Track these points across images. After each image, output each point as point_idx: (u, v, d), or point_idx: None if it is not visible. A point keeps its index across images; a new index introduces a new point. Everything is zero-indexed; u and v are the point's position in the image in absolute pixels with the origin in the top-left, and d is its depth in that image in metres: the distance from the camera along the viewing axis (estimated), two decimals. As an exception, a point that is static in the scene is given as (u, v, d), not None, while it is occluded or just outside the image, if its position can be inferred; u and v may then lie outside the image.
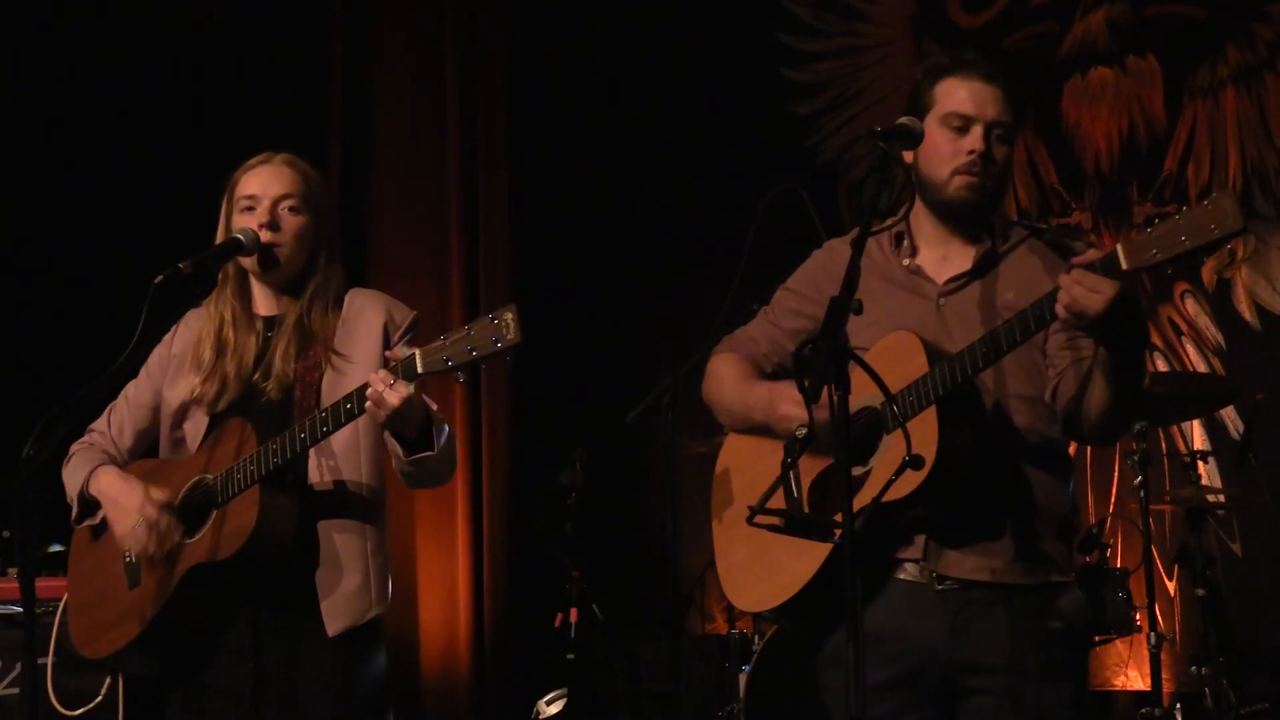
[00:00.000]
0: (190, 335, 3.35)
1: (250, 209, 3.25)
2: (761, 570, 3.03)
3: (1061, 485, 2.96)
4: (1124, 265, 2.56)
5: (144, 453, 3.41)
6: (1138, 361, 2.79)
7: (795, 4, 7.36)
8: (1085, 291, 2.59)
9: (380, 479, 3.25)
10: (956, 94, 2.96)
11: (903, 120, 2.90)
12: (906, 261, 3.04)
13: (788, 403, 2.98)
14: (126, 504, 3.20)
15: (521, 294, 7.05)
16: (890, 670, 2.87)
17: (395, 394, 2.95)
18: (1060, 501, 2.95)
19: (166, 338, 3.38)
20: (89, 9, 6.65)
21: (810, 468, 2.93)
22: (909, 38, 7.14)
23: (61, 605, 3.96)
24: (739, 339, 3.25)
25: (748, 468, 3.13)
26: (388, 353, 3.06)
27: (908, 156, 3.00)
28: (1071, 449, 3.06)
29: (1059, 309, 2.65)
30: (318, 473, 3.19)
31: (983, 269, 2.99)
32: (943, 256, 3.03)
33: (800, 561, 2.91)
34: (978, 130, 2.94)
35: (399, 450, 3.10)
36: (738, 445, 3.20)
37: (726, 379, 3.21)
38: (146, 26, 6.74)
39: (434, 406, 3.14)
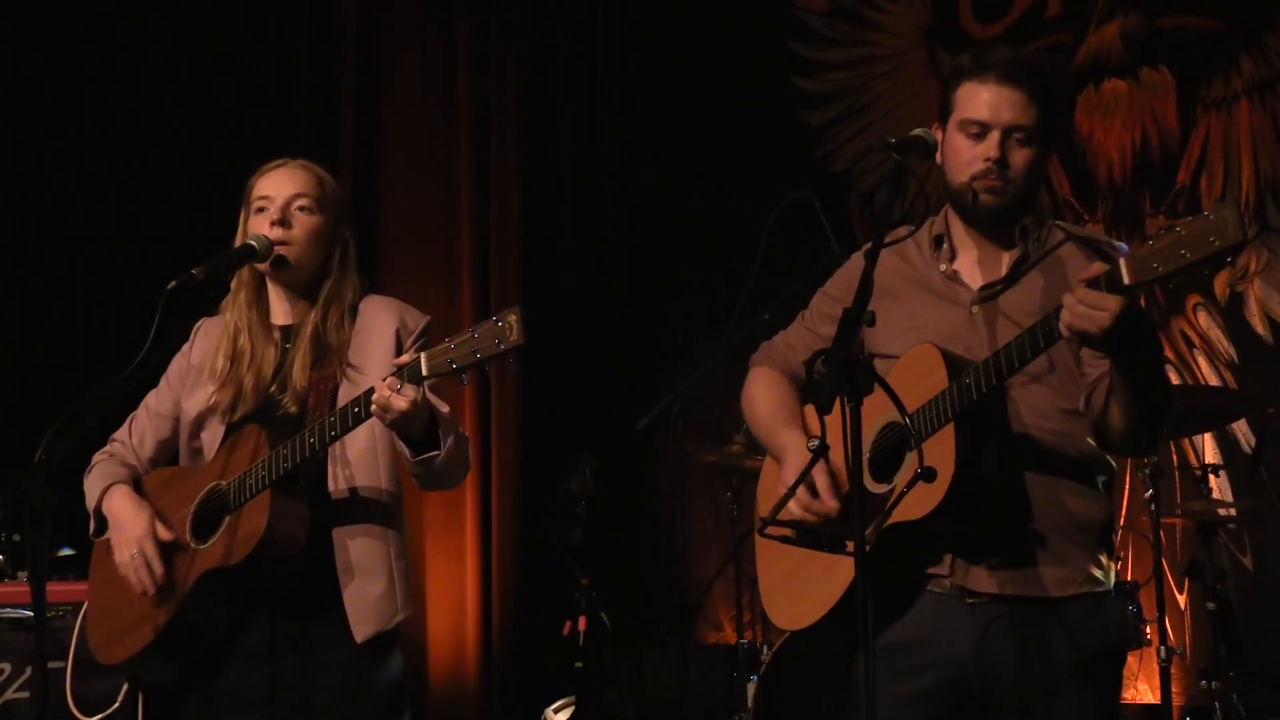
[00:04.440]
0: (209, 345, 3.37)
1: (263, 209, 3.28)
2: (796, 589, 3.01)
3: (1099, 493, 2.91)
4: (1126, 280, 2.50)
5: (165, 461, 3.42)
6: (1153, 376, 2.73)
7: (808, 13, 7.37)
8: (1088, 310, 2.54)
9: (398, 484, 3.26)
10: (975, 99, 2.90)
11: (916, 131, 2.88)
12: (944, 266, 2.99)
13: (789, 467, 2.94)
14: (129, 533, 3.23)
15: (532, 300, 7.06)
16: (919, 681, 2.85)
17: (402, 398, 2.97)
18: (1098, 509, 2.90)
19: (185, 347, 3.41)
20: (103, 19, 6.67)
21: (843, 483, 2.91)
22: (922, 47, 7.14)
23: (82, 612, 3.97)
24: (776, 347, 3.21)
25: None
26: (395, 361, 3.07)
27: (938, 158, 2.96)
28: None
29: (1062, 328, 2.60)
30: (335, 481, 3.20)
31: (1016, 275, 2.94)
32: (978, 260, 2.98)
33: (830, 580, 2.88)
34: (994, 136, 2.87)
35: (406, 451, 3.12)
36: (775, 462, 3.17)
37: (759, 406, 3.16)
38: (159, 37, 6.76)
39: (445, 409, 3.15)
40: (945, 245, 3.01)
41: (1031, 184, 2.93)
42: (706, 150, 7.41)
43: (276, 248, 3.25)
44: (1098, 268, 2.57)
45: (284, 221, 3.26)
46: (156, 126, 6.66)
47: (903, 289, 3.01)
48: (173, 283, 3.09)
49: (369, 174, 7.37)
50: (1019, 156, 2.89)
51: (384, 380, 2.98)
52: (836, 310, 3.03)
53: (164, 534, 3.21)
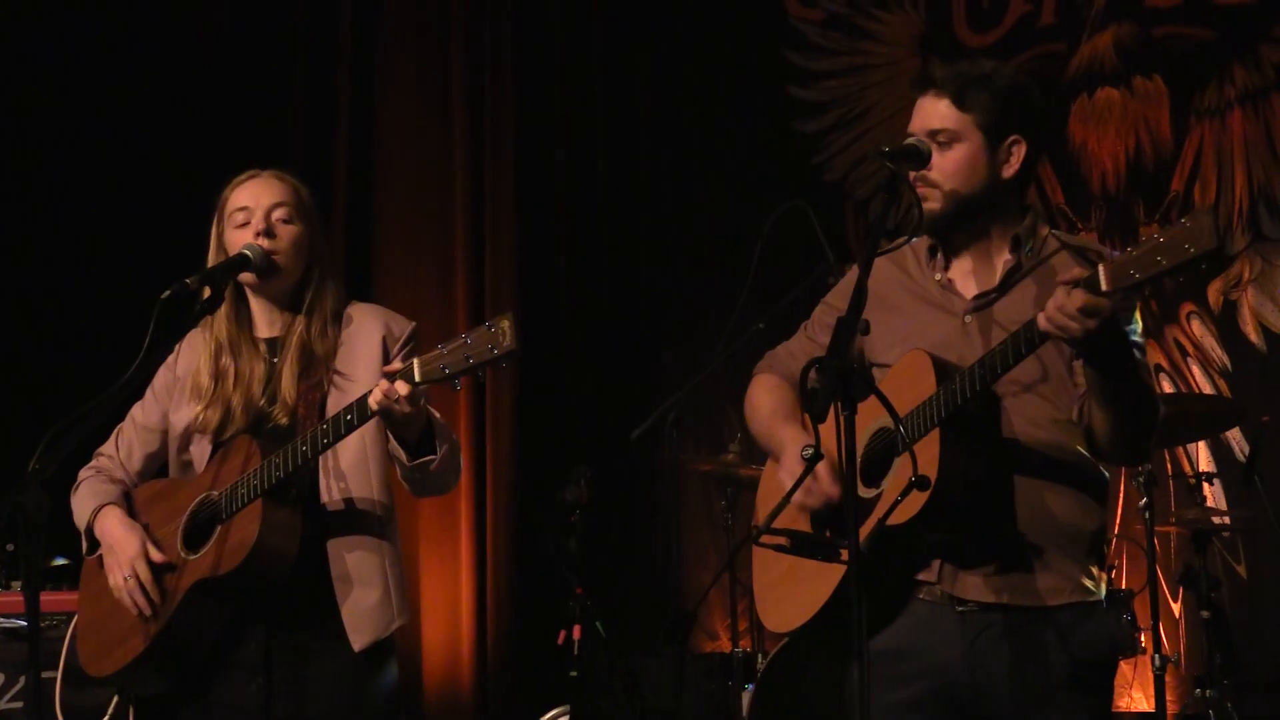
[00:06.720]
0: (192, 357, 3.36)
1: (245, 223, 3.27)
2: (787, 591, 3.03)
3: (1090, 503, 2.91)
4: (1104, 287, 2.54)
5: (154, 474, 3.41)
6: (1126, 377, 2.74)
7: (803, 22, 7.38)
8: (1064, 315, 2.59)
9: (390, 494, 3.27)
10: (915, 113, 2.95)
11: (910, 140, 2.90)
12: (939, 275, 3.01)
13: (791, 457, 2.96)
14: (122, 555, 3.22)
15: (527, 308, 7.06)
16: (909, 690, 2.86)
17: (404, 399, 2.97)
18: (1089, 519, 2.91)
19: (170, 360, 3.39)
20: (98, 21, 6.67)
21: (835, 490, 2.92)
22: (916, 56, 7.15)
23: (72, 625, 3.97)
24: (779, 356, 3.24)
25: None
26: (385, 368, 3.07)
27: None
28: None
29: (1041, 321, 2.62)
30: (328, 492, 3.20)
31: (1008, 285, 2.95)
32: (972, 270, 2.99)
33: (819, 582, 2.90)
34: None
35: (403, 456, 3.12)
36: (775, 467, 3.18)
37: (760, 408, 3.19)
38: (154, 40, 6.76)
39: (436, 415, 3.15)
40: (939, 255, 3.02)
41: (966, 185, 2.91)
42: (701, 159, 7.41)
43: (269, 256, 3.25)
44: (1076, 274, 2.60)
45: (269, 232, 3.26)
46: (151, 132, 6.65)
47: (900, 300, 3.02)
48: (166, 292, 3.09)
49: (364, 177, 7.37)
50: (942, 160, 2.89)
51: (385, 385, 2.98)
52: (834, 320, 3.06)
53: (156, 556, 3.20)
